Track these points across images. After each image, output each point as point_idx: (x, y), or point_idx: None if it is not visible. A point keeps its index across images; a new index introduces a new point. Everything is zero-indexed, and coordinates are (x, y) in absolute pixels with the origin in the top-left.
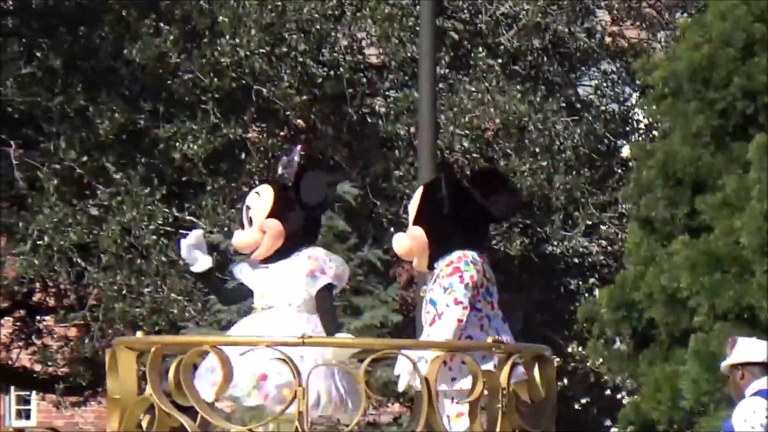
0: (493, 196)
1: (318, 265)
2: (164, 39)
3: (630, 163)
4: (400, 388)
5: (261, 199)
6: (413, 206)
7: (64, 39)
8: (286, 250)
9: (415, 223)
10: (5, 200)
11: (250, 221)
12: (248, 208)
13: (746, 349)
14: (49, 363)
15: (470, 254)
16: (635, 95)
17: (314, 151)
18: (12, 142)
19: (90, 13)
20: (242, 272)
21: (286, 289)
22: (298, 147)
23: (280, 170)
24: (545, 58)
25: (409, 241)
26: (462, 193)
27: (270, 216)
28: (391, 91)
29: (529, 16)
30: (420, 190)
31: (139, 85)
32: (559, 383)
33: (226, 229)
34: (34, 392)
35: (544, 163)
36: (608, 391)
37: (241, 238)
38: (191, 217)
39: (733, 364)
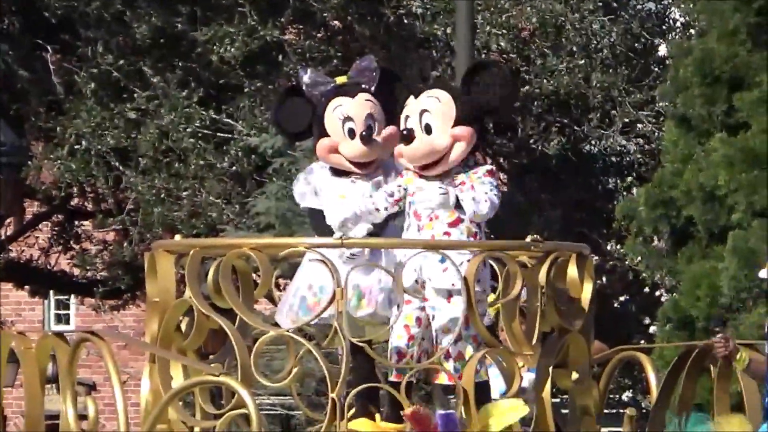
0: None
1: None
2: None
3: (667, 62)
4: (406, 283)
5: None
6: (448, 107)
7: None
8: None
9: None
10: (43, 105)
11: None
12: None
13: None
14: (88, 267)
15: None
16: None
17: (351, 52)
18: (49, 47)
19: None
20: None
21: None
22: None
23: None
24: None
25: (450, 137)
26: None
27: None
28: None
29: None
30: (446, 96)
31: None
32: (597, 281)
33: (263, 132)
34: (73, 296)
35: (581, 62)
36: (647, 289)
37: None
38: (229, 120)
39: None
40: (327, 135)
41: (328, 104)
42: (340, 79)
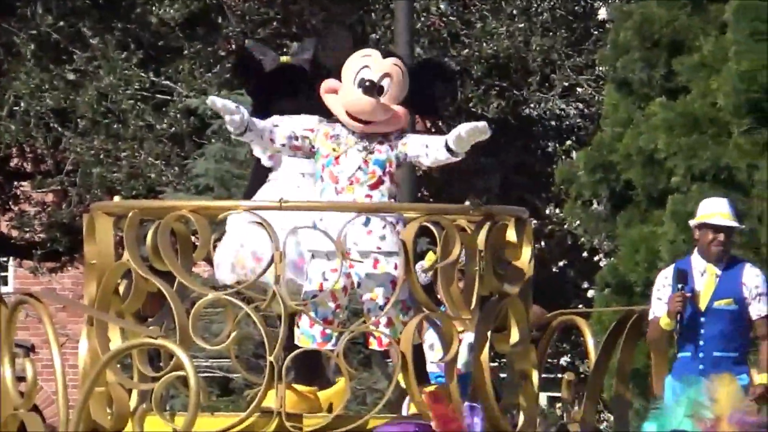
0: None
1: None
2: None
3: (607, 25)
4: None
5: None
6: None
7: None
8: None
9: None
10: None
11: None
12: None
13: None
14: (27, 229)
15: None
16: None
17: (291, 14)
18: None
19: None
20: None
21: None
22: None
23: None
24: None
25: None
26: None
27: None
28: None
29: None
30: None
31: None
32: (536, 246)
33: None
34: (11, 258)
35: (521, 25)
36: (585, 253)
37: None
38: (168, 82)
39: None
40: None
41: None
42: (284, 59)
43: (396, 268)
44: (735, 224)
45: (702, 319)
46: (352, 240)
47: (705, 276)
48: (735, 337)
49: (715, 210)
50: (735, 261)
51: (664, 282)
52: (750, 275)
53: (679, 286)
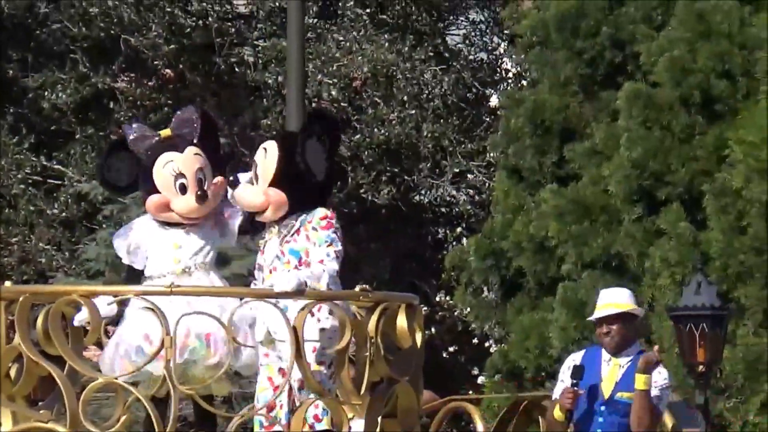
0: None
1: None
2: None
3: (498, 112)
4: (258, 337)
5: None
6: (270, 163)
7: None
8: None
9: (274, 181)
10: None
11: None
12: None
13: None
14: None
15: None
16: (504, 44)
17: (182, 100)
18: None
19: None
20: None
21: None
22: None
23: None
24: (413, 7)
25: (264, 197)
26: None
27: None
28: (259, 40)
29: None
30: (275, 148)
31: (8, 35)
32: (427, 332)
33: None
34: None
35: (413, 112)
36: (476, 340)
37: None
38: (59, 166)
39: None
40: (156, 190)
41: (156, 159)
42: (165, 133)
43: (314, 351)
44: (619, 310)
45: (602, 408)
46: (273, 328)
47: (610, 366)
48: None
49: (604, 301)
50: (641, 354)
51: (568, 366)
52: (654, 373)
53: (573, 381)
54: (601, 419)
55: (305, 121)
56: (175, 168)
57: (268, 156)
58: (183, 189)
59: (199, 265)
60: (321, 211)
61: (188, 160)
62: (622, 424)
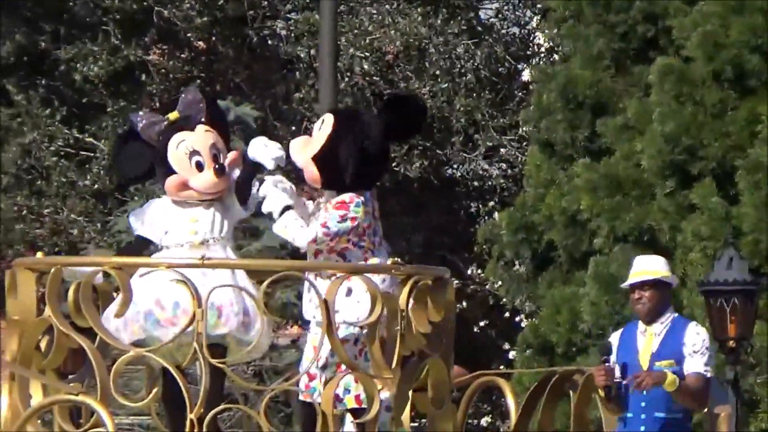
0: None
1: None
2: None
3: (531, 87)
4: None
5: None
6: (321, 135)
7: None
8: None
9: (317, 156)
10: None
11: None
12: None
13: None
14: None
15: (363, 195)
16: (536, 18)
17: (215, 73)
18: None
19: None
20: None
21: None
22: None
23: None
24: None
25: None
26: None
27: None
28: (292, 13)
29: None
30: (330, 125)
31: (41, 7)
32: (458, 306)
33: None
34: None
35: (445, 86)
36: (507, 314)
37: None
38: (91, 139)
39: None
40: (173, 172)
41: (168, 141)
42: (172, 116)
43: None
44: (652, 277)
45: None
46: (304, 308)
47: (645, 336)
48: None
49: (638, 268)
50: (680, 321)
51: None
52: (691, 334)
53: (603, 359)
54: (645, 391)
55: (382, 104)
56: (189, 146)
57: (322, 128)
58: (199, 166)
59: (216, 238)
60: (343, 196)
61: (200, 137)
62: (666, 393)
